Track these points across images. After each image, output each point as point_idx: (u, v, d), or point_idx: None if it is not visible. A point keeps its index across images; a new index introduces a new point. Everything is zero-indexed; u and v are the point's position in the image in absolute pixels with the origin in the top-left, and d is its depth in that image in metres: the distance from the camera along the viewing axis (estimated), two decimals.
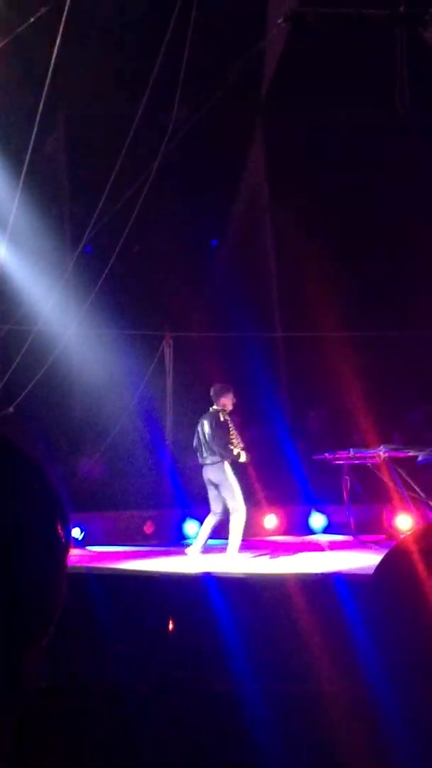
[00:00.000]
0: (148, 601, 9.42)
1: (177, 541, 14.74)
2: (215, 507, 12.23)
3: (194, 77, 16.37)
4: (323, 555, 12.86)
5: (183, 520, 15.36)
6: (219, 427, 12.14)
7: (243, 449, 12.34)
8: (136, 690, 5.64)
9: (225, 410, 12.32)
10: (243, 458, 12.33)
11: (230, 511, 12.07)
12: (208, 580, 9.24)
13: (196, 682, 7.96)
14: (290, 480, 16.40)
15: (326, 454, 14.19)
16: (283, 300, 20.98)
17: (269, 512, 15.73)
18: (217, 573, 9.75)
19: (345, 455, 13.91)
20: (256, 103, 20.85)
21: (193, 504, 15.49)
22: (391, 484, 13.40)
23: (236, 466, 12.37)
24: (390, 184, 20.77)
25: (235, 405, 12.44)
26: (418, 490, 13.11)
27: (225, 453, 12.11)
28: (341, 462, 13.83)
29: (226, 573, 10.42)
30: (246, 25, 19.26)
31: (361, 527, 14.16)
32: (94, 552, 13.49)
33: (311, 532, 15.45)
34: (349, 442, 17.16)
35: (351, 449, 14.29)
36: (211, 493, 12.25)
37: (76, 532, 13.52)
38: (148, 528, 15.49)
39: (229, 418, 12.32)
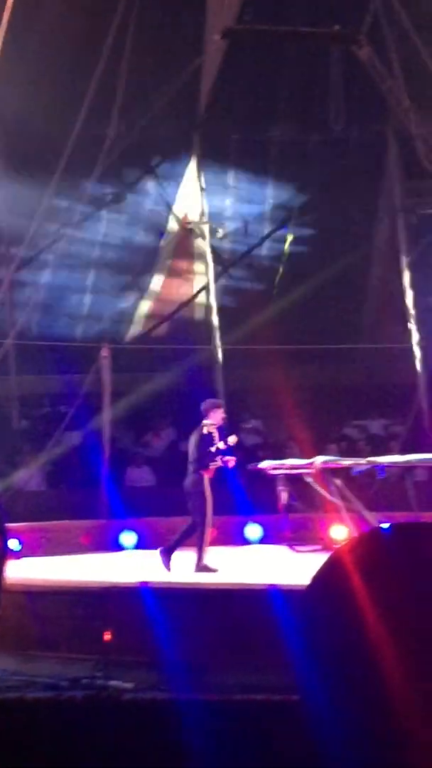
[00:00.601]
0: (86, 612, 9.47)
1: (114, 551, 14.81)
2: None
3: (132, 93, 16.53)
4: (259, 565, 13.00)
5: (120, 531, 15.41)
6: (200, 440, 12.25)
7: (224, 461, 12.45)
8: (74, 701, 5.69)
9: (213, 424, 12.40)
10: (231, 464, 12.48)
11: (194, 523, 12.16)
12: (144, 591, 9.30)
13: (134, 692, 8.05)
14: (226, 491, 16.52)
15: (262, 465, 14.33)
16: (220, 314, 21.11)
17: None
18: (154, 584, 9.81)
19: (281, 466, 14.05)
20: (193, 119, 20.95)
21: (130, 515, 15.57)
22: (326, 495, 13.56)
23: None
24: (325, 197, 21.01)
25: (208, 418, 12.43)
26: (353, 500, 13.29)
27: (197, 464, 12.21)
28: (277, 473, 13.97)
29: (163, 584, 10.49)
30: (184, 41, 19.40)
31: (297, 537, 14.31)
32: (31, 563, 13.49)
33: (247, 542, 15.57)
34: (285, 453, 17.35)
35: (287, 460, 14.45)
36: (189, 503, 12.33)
37: (14, 544, 13.51)
38: (86, 539, 15.52)
39: (214, 432, 12.38)
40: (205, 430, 12.33)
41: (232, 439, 12.55)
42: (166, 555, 12.16)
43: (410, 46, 17.11)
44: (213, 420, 12.45)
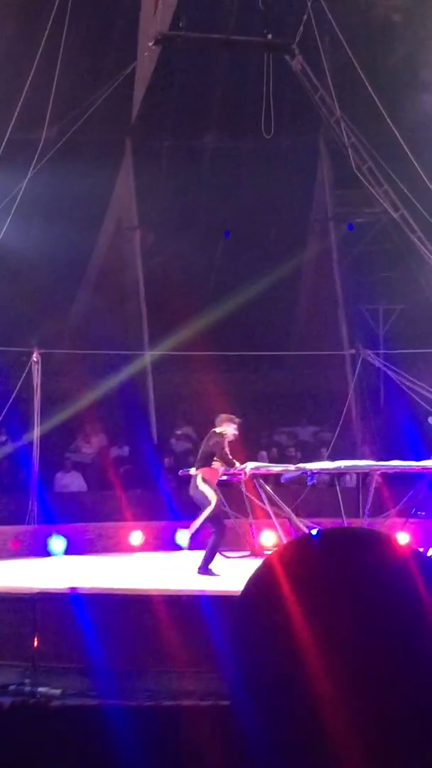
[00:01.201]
0: (14, 618, 9.41)
1: (43, 557, 14.74)
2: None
3: (65, 97, 16.46)
4: (189, 571, 13.01)
5: (49, 536, 15.34)
6: (210, 444, 12.37)
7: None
8: (1, 707, 5.66)
9: (223, 434, 12.44)
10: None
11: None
12: (73, 597, 9.27)
13: (62, 698, 8.02)
14: (157, 496, 16.54)
15: (191, 471, 14.33)
16: (150, 318, 21.12)
17: (135, 528, 15.84)
18: (83, 590, 9.78)
19: None
20: (125, 125, 20.94)
21: (59, 520, 15.52)
22: (256, 501, 13.63)
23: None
24: (257, 205, 21.12)
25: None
26: (282, 506, 13.37)
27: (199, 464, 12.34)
28: None
29: (92, 590, 10.46)
30: (117, 47, 19.37)
31: (227, 543, 14.35)
32: None
33: (177, 548, 15.59)
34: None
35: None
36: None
37: None
38: (14, 544, 15.42)
39: (223, 441, 12.39)
40: (216, 437, 12.37)
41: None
42: (205, 570, 11.99)
43: (342, 57, 17.27)
44: (224, 430, 12.42)
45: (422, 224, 17.58)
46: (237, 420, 12.71)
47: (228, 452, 12.38)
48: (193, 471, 12.54)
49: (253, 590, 1.90)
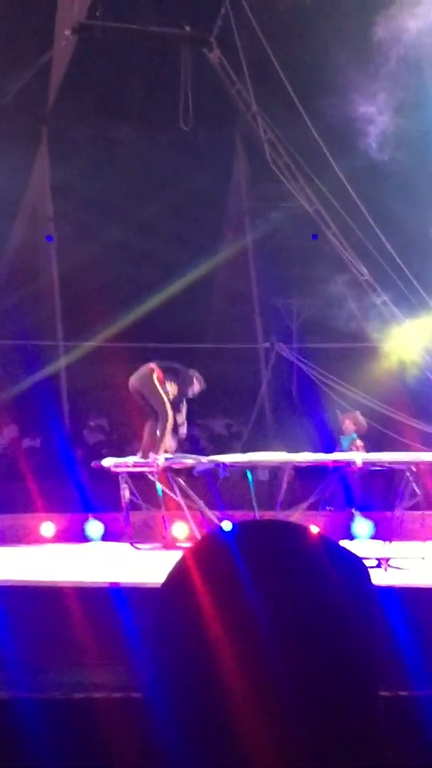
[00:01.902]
0: None
1: None
2: None
3: None
4: (100, 563, 13.00)
5: None
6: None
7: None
8: None
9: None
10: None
11: None
12: None
13: None
14: (68, 487, 16.46)
15: (105, 462, 14.31)
16: (65, 310, 21.00)
17: (46, 519, 15.75)
18: None
19: (124, 464, 14.08)
20: (41, 114, 20.77)
21: None
22: (168, 492, 13.65)
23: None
24: (174, 198, 21.10)
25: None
26: (195, 498, 13.42)
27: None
28: (120, 470, 13.99)
29: (3, 582, 10.40)
30: (34, 34, 19.20)
31: (138, 535, 14.37)
32: None
33: (88, 539, 15.55)
34: (128, 451, 17.37)
35: (130, 458, 14.49)
36: None
37: None
38: None
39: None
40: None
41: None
42: None
43: (259, 51, 17.33)
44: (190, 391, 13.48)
45: (337, 220, 17.73)
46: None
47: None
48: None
49: (170, 585, 1.90)
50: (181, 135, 17.66)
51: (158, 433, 13.42)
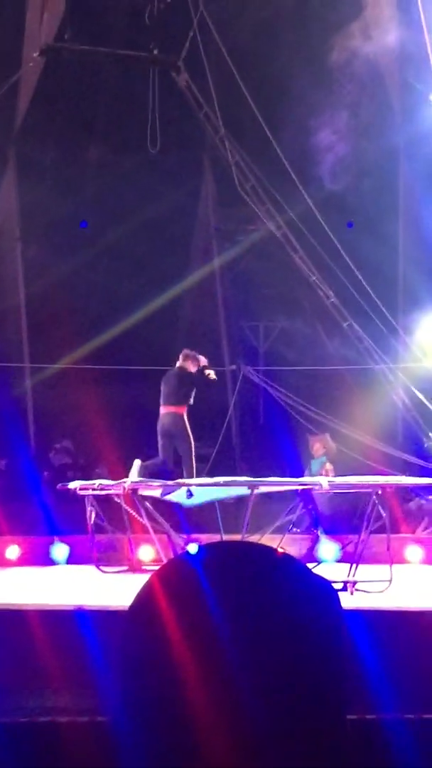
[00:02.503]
0: None
1: None
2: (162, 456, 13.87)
3: None
4: (65, 586, 12.92)
5: None
6: (179, 380, 13.81)
7: None
8: None
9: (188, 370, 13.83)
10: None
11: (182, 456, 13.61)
12: None
13: None
14: (33, 510, 16.38)
15: (71, 485, 14.24)
16: (31, 331, 20.95)
17: (11, 542, 15.65)
18: None
19: (90, 486, 14.02)
20: (9, 135, 20.76)
21: None
22: (134, 515, 13.60)
23: None
24: (142, 220, 21.13)
25: None
26: (161, 521, 13.38)
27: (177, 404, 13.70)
28: (86, 493, 13.93)
29: None
30: (1, 56, 19.20)
31: (104, 558, 14.31)
32: None
33: (53, 562, 15.46)
34: (95, 474, 17.32)
35: (96, 480, 14.44)
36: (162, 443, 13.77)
37: None
38: None
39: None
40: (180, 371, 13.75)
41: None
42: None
43: (227, 75, 17.43)
44: (191, 367, 13.83)
45: (303, 243, 17.81)
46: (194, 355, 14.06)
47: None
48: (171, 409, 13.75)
49: (137, 608, 1.89)
50: (149, 157, 17.70)
51: (188, 472, 13.94)
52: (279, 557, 1.91)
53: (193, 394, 13.93)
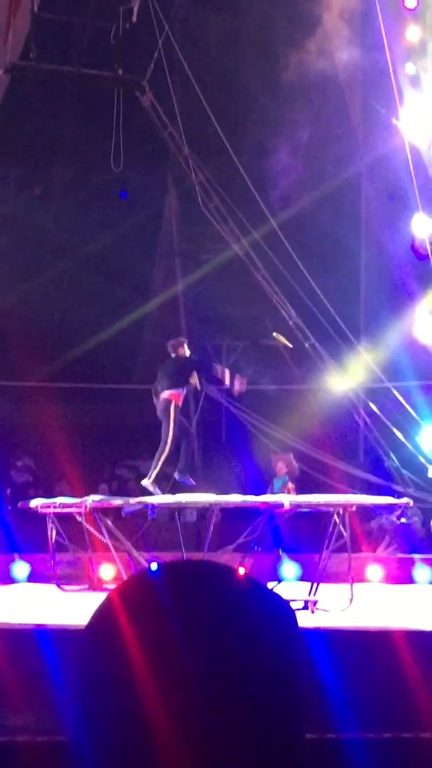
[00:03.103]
0: None
1: None
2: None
3: None
4: (25, 604, 12.87)
5: None
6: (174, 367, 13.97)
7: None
8: None
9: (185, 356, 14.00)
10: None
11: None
12: None
13: None
14: None
15: (32, 503, 14.18)
16: None
17: None
18: None
19: (51, 504, 13.96)
20: None
21: None
22: (96, 534, 13.56)
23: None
24: (104, 240, 21.16)
25: None
26: (122, 539, 13.34)
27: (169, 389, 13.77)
28: (47, 511, 13.87)
29: None
30: None
31: (65, 576, 14.25)
32: None
33: (14, 581, 15.38)
34: (56, 492, 17.26)
35: (57, 498, 14.39)
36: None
37: None
38: None
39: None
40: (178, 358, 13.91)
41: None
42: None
43: (191, 95, 17.50)
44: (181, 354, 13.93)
45: (266, 263, 17.88)
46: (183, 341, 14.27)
47: None
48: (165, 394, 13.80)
49: (95, 626, 1.90)
50: (113, 176, 17.71)
51: (156, 457, 14.08)
52: (238, 576, 1.93)
53: (192, 376, 14.05)
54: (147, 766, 1.85)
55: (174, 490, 14.91)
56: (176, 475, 14.00)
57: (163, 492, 14.13)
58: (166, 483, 18.55)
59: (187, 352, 14.35)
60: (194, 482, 13.89)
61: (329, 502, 12.99)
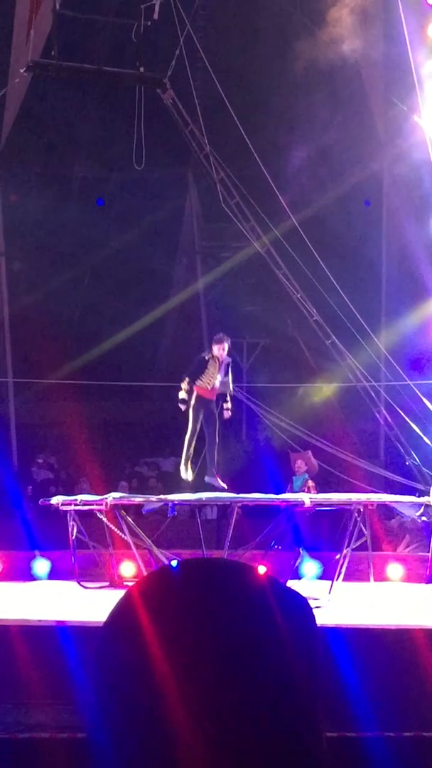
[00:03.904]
0: None
1: None
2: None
3: None
4: (47, 601, 12.89)
5: None
6: (197, 360, 14.09)
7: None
8: None
9: (212, 354, 13.93)
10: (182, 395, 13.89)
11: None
12: None
13: None
14: (15, 525, 16.34)
15: (53, 500, 14.22)
16: (15, 347, 20.92)
17: None
18: None
19: (72, 502, 14.00)
20: None
21: None
22: (116, 531, 13.59)
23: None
24: (125, 237, 21.18)
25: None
26: (143, 536, 13.36)
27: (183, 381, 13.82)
28: (68, 508, 13.91)
29: None
30: None
31: (85, 574, 14.28)
32: None
33: (34, 578, 15.42)
34: (77, 489, 17.30)
35: (78, 496, 14.42)
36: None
37: None
38: None
39: (210, 360, 13.87)
40: (205, 356, 13.97)
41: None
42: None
43: (212, 92, 17.49)
44: (214, 351, 13.91)
45: (287, 261, 17.86)
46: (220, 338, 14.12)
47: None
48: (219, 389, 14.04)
49: (114, 622, 1.90)
50: (134, 174, 17.73)
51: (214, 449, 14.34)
52: (258, 575, 1.93)
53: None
54: (165, 762, 1.86)
55: (194, 489, 14.92)
56: (207, 479, 14.11)
57: (184, 490, 14.16)
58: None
59: (216, 351, 14.34)
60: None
61: (350, 501, 12.97)
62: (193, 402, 14.04)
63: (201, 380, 14.01)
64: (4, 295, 21.23)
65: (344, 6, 17.65)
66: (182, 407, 14.11)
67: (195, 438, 14.17)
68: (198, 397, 14.04)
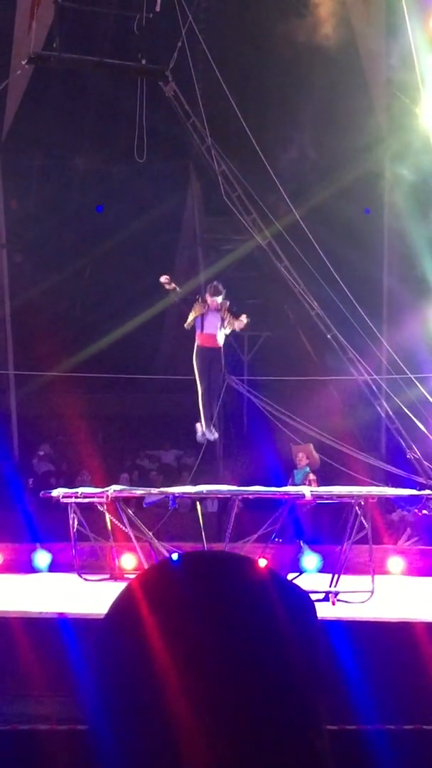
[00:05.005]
0: None
1: None
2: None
3: None
4: (47, 594, 12.91)
5: None
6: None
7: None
8: None
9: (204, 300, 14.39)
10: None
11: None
12: None
13: None
14: (16, 517, 16.36)
15: (54, 492, 14.23)
16: (16, 339, 20.92)
17: None
18: None
19: (73, 494, 14.01)
20: None
21: None
22: (117, 524, 13.60)
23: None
24: (126, 230, 21.15)
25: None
26: (144, 529, 13.38)
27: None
28: (69, 501, 13.92)
29: None
30: None
31: (86, 566, 14.29)
32: None
33: (35, 570, 15.44)
34: (77, 481, 17.31)
35: (79, 488, 14.43)
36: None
37: None
38: None
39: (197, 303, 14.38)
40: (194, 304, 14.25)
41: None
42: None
43: (214, 85, 17.47)
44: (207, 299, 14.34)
45: (288, 254, 17.84)
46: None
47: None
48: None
49: (115, 615, 1.90)
50: (136, 167, 17.72)
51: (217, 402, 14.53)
52: (258, 568, 1.93)
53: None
54: (166, 754, 1.85)
55: (195, 482, 14.93)
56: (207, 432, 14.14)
57: (184, 483, 14.17)
58: (186, 474, 18.60)
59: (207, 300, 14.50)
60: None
61: (350, 494, 12.98)
62: (195, 356, 14.20)
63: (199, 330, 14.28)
64: (6, 288, 21.22)
65: None
66: (164, 281, 14.56)
67: (208, 394, 14.19)
68: (200, 348, 14.05)
